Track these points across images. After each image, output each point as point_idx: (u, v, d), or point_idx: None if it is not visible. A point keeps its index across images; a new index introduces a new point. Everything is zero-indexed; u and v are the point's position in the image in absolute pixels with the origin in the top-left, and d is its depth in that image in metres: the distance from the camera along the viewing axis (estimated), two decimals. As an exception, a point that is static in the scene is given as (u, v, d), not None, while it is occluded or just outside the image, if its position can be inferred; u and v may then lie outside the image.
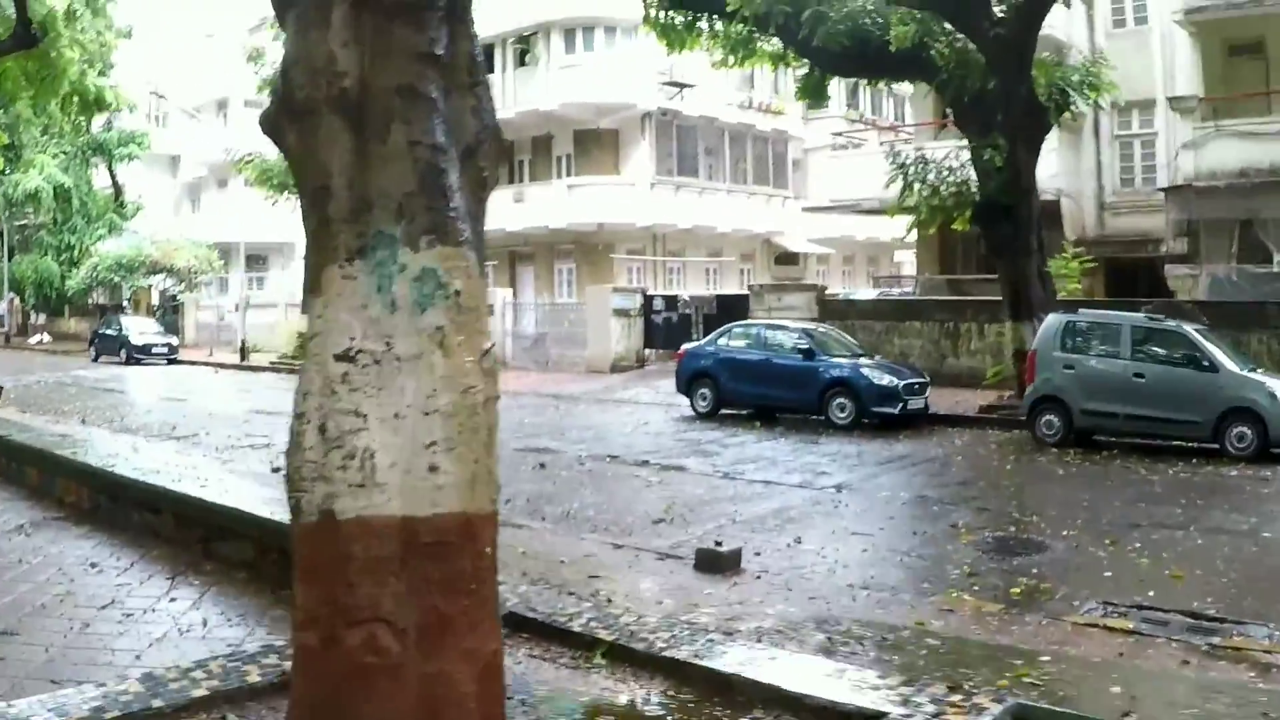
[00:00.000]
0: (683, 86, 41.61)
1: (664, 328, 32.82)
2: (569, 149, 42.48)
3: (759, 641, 7.19)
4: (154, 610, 7.58)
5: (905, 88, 55.89)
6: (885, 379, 21.78)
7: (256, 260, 57.33)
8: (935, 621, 8.37)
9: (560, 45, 40.40)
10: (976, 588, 9.80)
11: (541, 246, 42.59)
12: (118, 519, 10.08)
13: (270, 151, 37.57)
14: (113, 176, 55.00)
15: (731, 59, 25.19)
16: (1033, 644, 7.68)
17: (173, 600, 7.80)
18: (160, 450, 18.04)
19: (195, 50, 58.31)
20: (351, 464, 4.13)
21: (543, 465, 17.00)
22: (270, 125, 4.56)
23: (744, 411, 23.61)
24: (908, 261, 58.62)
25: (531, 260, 43.25)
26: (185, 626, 7.26)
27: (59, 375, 35.25)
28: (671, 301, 32.99)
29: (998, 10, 21.64)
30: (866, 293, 39.81)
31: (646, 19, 24.63)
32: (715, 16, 24.02)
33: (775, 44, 24.43)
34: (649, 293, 34.18)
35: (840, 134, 40.89)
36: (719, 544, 10.31)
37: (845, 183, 34.23)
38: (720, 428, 22.00)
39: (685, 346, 25.40)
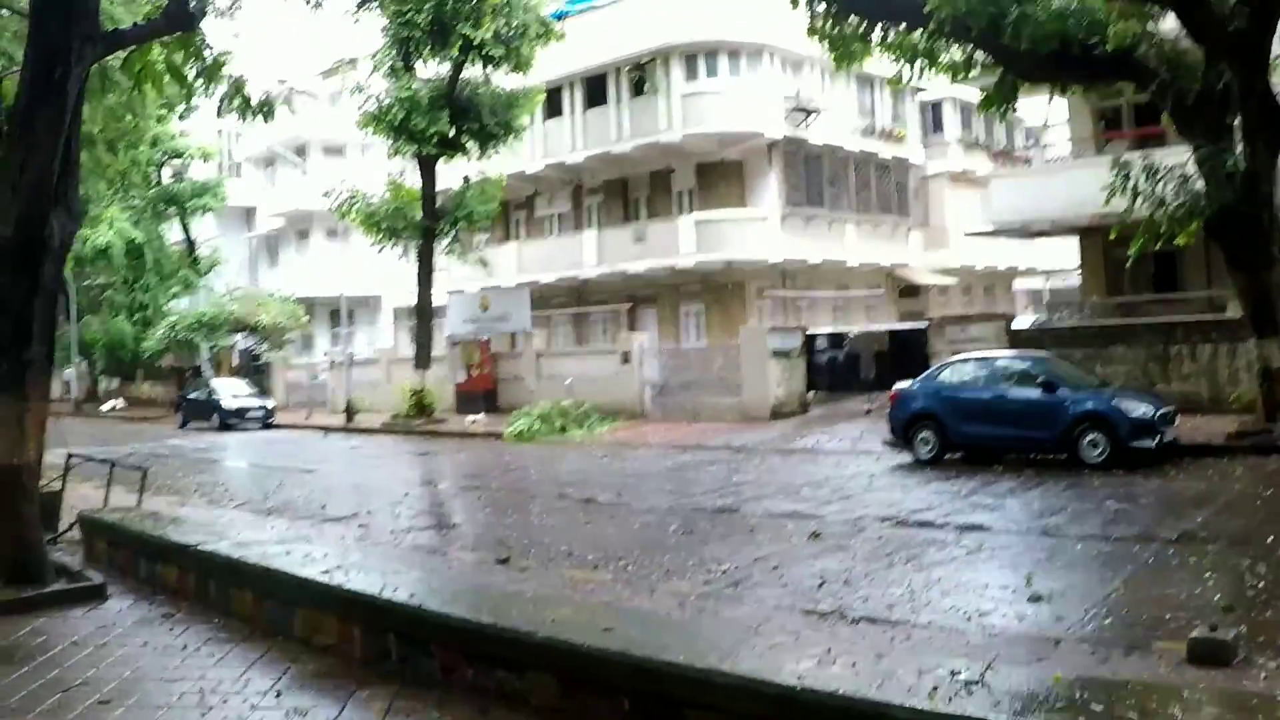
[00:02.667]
0: (810, 113, 38.42)
1: (828, 368, 29.57)
2: (691, 183, 39.20)
3: None
4: None
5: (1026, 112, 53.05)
6: (1140, 409, 19.02)
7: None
8: None
9: (680, 72, 37.10)
10: None
11: (665, 288, 39.27)
12: (431, 678, 6.77)
13: (376, 190, 34.87)
14: (186, 230, 52.22)
15: (909, 70, 22.61)
16: None
17: None
18: (328, 539, 14.83)
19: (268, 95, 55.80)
20: None
21: (816, 534, 14.01)
22: None
23: (956, 455, 20.85)
24: (1021, 290, 55.50)
25: (653, 303, 39.90)
26: None
27: (152, 445, 32.16)
28: (837, 339, 29.69)
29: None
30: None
31: (812, 29, 22.15)
32: (895, 24, 21.66)
33: (956, 53, 22.14)
34: (809, 331, 30.75)
35: (999, 155, 37.75)
36: (1214, 628, 8.09)
37: (1011, 206, 30.84)
38: (961, 475, 18.89)
39: (898, 386, 22.21)
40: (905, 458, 21.35)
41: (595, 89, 39.47)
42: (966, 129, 48.15)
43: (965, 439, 20.45)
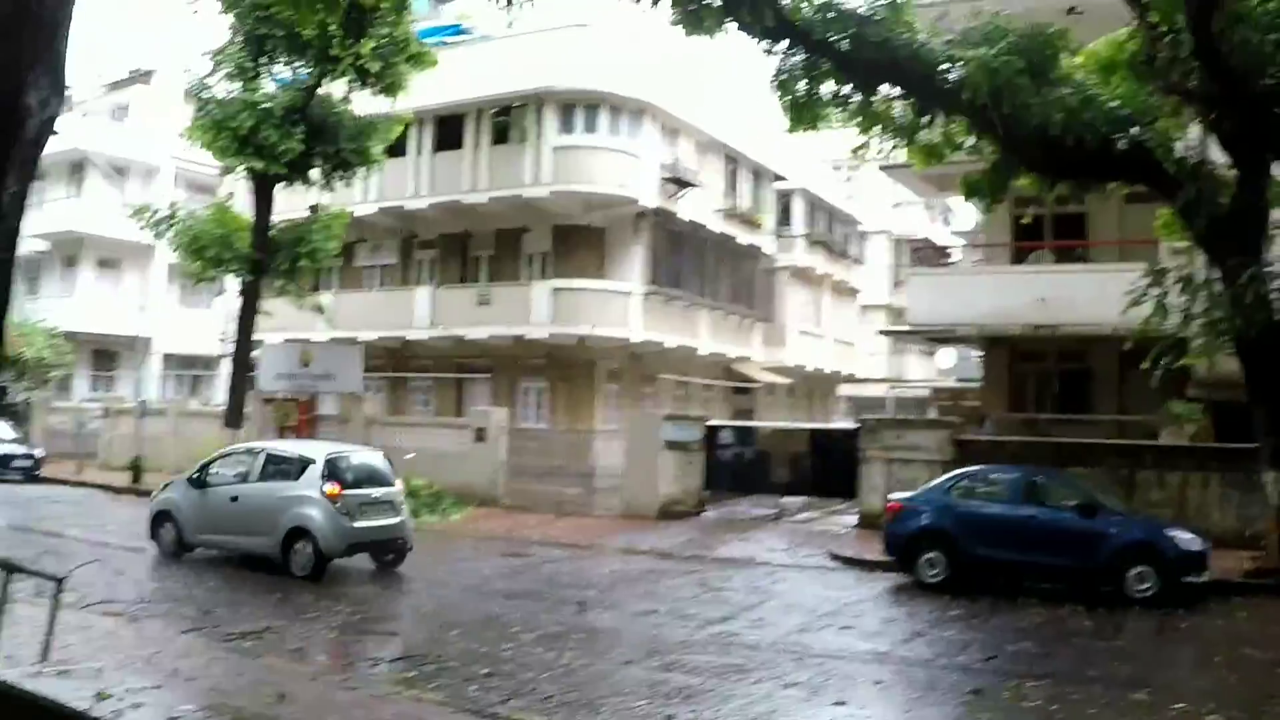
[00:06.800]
0: (685, 185, 35.25)
1: (733, 466, 26.01)
2: (545, 246, 35.21)
3: None
4: None
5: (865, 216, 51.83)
6: (1191, 541, 16.85)
7: (105, 356, 47.83)
8: None
9: (554, 122, 33.27)
10: None
11: (504, 360, 34.97)
12: None
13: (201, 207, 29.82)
14: (-73, 244, 44.67)
15: (886, 144, 20.02)
16: None
17: None
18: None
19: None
20: None
21: (978, 690, 10.94)
22: None
23: (937, 578, 17.52)
24: (850, 395, 53.96)
25: (486, 376, 35.58)
26: None
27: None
28: (745, 435, 26.21)
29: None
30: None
31: (783, 85, 18.90)
32: (888, 91, 18.91)
33: (933, 133, 19.50)
34: (711, 422, 27.23)
35: (919, 249, 35.61)
36: None
37: (931, 308, 28.38)
38: (1000, 608, 16.03)
39: (896, 497, 19.13)
40: (894, 578, 18.26)
41: (449, 130, 35.20)
42: (812, 225, 46.06)
43: (982, 563, 17.41)
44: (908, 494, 18.96)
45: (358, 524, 17.18)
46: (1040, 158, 18.74)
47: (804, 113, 19.10)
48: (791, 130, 19.96)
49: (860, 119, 19.21)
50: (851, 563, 20.02)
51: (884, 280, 54.64)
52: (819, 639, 13.21)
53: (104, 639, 11.26)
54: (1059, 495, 17.62)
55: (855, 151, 20.60)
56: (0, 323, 4.94)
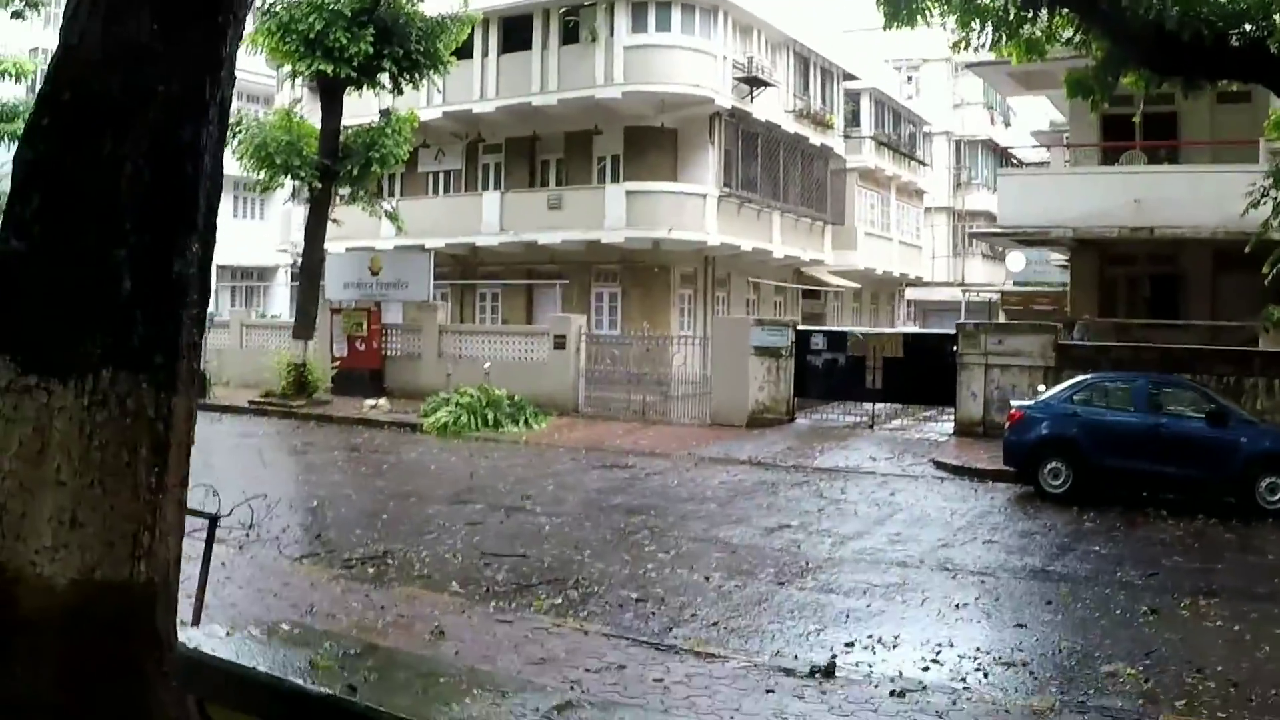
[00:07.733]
0: (759, 84, 34.12)
1: (825, 373, 25.14)
2: (617, 149, 34.26)
3: None
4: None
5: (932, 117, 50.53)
6: None
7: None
8: None
9: (625, 21, 32.15)
10: None
11: (575, 266, 34.23)
12: None
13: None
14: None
15: (990, 39, 18.75)
16: None
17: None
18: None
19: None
20: None
21: (1155, 611, 10.29)
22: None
23: (1060, 488, 16.70)
24: (915, 300, 53.21)
25: (558, 283, 34.75)
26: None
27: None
28: (837, 340, 25.30)
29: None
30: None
31: None
32: None
33: (1036, 28, 18.20)
34: (801, 327, 26.46)
35: (1007, 151, 34.47)
36: None
37: (1020, 209, 27.28)
38: (1135, 521, 15.41)
39: (1018, 404, 18.22)
40: (1010, 488, 17.59)
41: (516, 31, 34.11)
42: (880, 126, 44.79)
43: (1108, 473, 16.65)
44: (1028, 401, 18.19)
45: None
46: (1153, 54, 17.61)
47: (901, 7, 18.01)
48: (887, 26, 18.77)
49: (961, 13, 18.16)
50: (960, 471, 19.32)
51: (945, 182, 53.49)
52: (967, 554, 12.60)
53: (223, 571, 10.65)
54: (1186, 403, 16.98)
55: (954, 46, 19.57)
56: (214, 209, 4.07)
